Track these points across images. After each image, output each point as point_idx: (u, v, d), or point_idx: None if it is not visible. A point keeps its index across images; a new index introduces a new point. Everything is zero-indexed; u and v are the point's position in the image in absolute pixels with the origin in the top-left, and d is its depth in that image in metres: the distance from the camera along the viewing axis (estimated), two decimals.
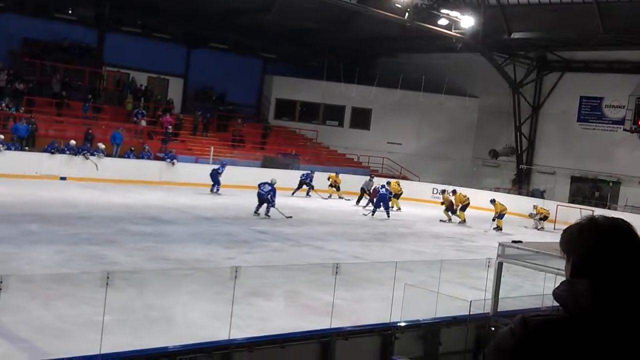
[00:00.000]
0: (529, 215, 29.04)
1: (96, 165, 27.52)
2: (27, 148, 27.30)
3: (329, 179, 31.50)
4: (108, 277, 7.71)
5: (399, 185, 30.23)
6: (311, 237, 19.71)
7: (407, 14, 29.94)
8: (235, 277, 8.87)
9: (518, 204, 32.27)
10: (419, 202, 32.97)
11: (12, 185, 23.51)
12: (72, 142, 27.75)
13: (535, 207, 29.36)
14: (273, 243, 18.25)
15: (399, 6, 29.50)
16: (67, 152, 27.49)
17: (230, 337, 8.53)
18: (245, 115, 38.77)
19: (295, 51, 40.92)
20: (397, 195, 29.50)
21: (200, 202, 24.86)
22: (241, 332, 9.03)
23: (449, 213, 27.62)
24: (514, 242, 11.28)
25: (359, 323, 9.62)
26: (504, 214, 26.53)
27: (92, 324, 8.76)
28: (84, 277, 11.49)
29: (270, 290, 12.68)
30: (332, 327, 9.24)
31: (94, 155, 27.79)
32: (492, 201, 27.06)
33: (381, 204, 26.30)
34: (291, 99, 41.02)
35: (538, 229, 27.97)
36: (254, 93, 41.49)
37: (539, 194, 34.25)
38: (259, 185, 22.81)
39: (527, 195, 34.45)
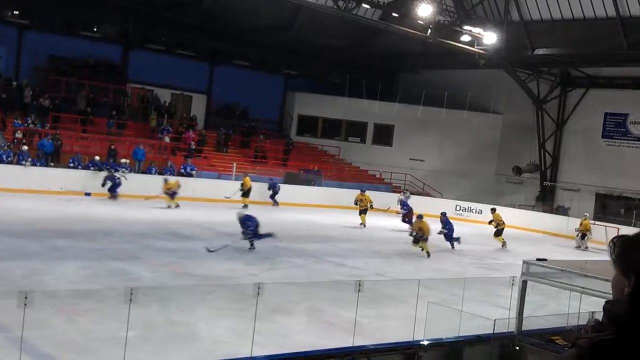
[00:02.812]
0: (576, 231, 28.06)
1: (125, 177, 27.77)
2: (52, 164, 27.59)
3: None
4: (132, 293, 7.74)
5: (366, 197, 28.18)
6: (333, 254, 19.67)
7: (429, 30, 29.94)
8: (258, 293, 8.86)
9: (542, 222, 32.07)
10: None
11: (38, 201, 23.75)
12: (97, 157, 28.02)
13: (582, 221, 28.19)
14: (295, 259, 18.23)
15: (421, 23, 29.51)
16: (92, 167, 27.75)
17: (253, 354, 8.52)
18: (267, 131, 38.93)
19: (317, 67, 41.07)
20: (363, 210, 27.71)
21: (222, 217, 24.91)
22: (263, 349, 9.01)
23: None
24: (538, 259, 11.17)
25: (382, 341, 9.56)
26: (502, 229, 25.69)
27: (116, 339, 8.79)
28: (108, 293, 11.54)
29: (292, 307, 12.65)
30: (355, 345, 9.19)
31: (117, 170, 28.03)
32: (493, 210, 26.54)
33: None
34: (313, 115, 41.14)
35: (582, 249, 26.85)
36: (277, 109, 41.67)
37: (564, 211, 33.93)
38: (244, 222, 18.89)
39: (552, 213, 34.14)
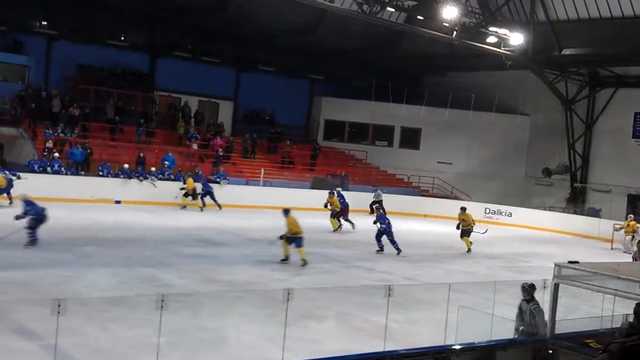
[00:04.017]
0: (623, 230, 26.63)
1: (154, 184, 27.99)
2: (82, 172, 27.90)
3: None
4: (162, 300, 7.77)
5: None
6: (361, 259, 19.63)
7: (454, 32, 29.80)
8: (288, 299, 8.86)
9: (573, 224, 31.71)
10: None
11: (69, 209, 24.01)
12: (126, 165, 28.28)
13: (629, 222, 26.62)
14: (324, 265, 18.21)
15: (447, 25, 29.38)
16: (121, 175, 28.00)
17: None
18: (294, 136, 38.99)
19: (342, 72, 41.07)
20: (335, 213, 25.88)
21: (250, 224, 25.00)
22: (294, 354, 9.00)
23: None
24: (570, 262, 11.03)
25: (413, 346, 9.50)
26: (470, 230, 23.36)
27: (148, 346, 8.84)
28: (139, 300, 11.62)
29: (322, 312, 12.63)
30: (386, 350, 9.15)
31: (147, 178, 28.25)
32: (463, 209, 23.92)
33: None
34: (340, 120, 41.15)
35: (631, 253, 24.77)
36: (303, 114, 41.74)
37: (595, 213, 33.53)
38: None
39: (582, 214, 33.74)
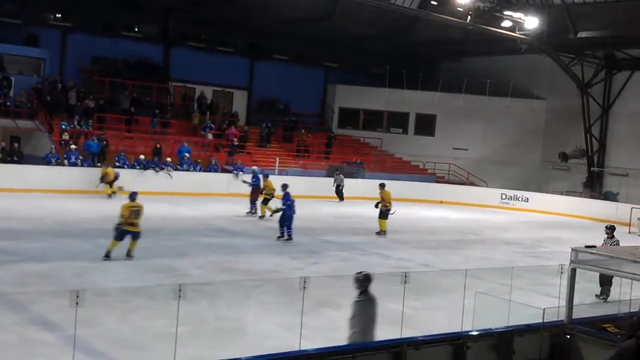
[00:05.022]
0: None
1: (170, 175, 28.10)
2: (99, 164, 28.05)
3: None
4: (180, 289, 7.82)
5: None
6: (378, 246, 19.64)
7: (468, 17, 29.63)
8: (304, 287, 8.89)
9: (590, 208, 31.53)
10: (487, 208, 32.52)
11: (85, 201, 24.19)
12: (142, 156, 28.40)
13: None
14: (340, 253, 18.25)
15: (460, 10, 29.21)
16: (137, 166, 28.14)
17: (302, 348, 8.55)
18: (309, 125, 38.98)
19: (356, 59, 41.00)
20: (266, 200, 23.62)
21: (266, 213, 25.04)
22: (312, 342, 9.04)
23: None
24: (587, 246, 10.99)
25: (430, 332, 9.51)
26: (388, 210, 21.73)
27: (166, 335, 8.91)
28: (157, 290, 11.70)
29: (339, 300, 12.65)
30: (403, 336, 9.16)
31: (162, 169, 28.37)
32: (382, 186, 22.44)
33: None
34: (355, 108, 41.09)
35: None
36: (317, 103, 41.70)
37: (613, 197, 33.30)
38: None
39: (600, 199, 33.53)
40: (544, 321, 9.70)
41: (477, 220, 27.94)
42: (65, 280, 12.62)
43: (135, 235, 15.20)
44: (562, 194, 34.25)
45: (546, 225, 27.82)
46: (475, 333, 9.05)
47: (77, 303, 7.16)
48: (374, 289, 12.81)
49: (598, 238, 19.49)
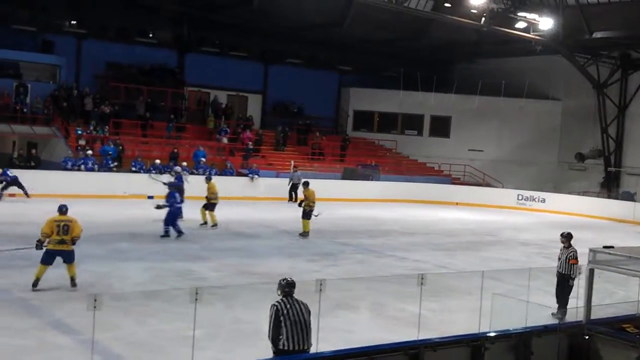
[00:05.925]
0: None
1: (186, 179, 28.14)
2: (115, 169, 28.18)
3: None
4: (197, 293, 7.84)
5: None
6: (394, 248, 19.60)
7: (483, 19, 29.54)
8: (320, 290, 8.88)
9: (608, 208, 31.31)
10: (504, 209, 32.36)
11: (102, 205, 24.31)
12: (157, 161, 28.50)
13: None
14: (356, 255, 18.25)
15: (475, 11, 29.13)
16: (153, 171, 28.21)
17: (318, 350, 8.54)
18: (323, 128, 39.00)
19: (370, 62, 40.96)
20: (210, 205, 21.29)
21: (282, 215, 25.07)
22: (328, 344, 9.03)
23: None
24: (605, 247, 10.91)
25: (447, 334, 9.48)
26: (311, 211, 20.46)
27: (184, 338, 8.94)
28: (174, 293, 11.74)
29: (355, 302, 12.65)
30: (420, 338, 9.13)
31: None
32: (306, 184, 21.26)
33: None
34: (369, 110, 41.08)
35: None
36: (332, 106, 41.72)
37: (630, 197, 33.07)
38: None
39: (617, 199, 33.29)
40: (562, 322, 9.66)
41: (493, 222, 27.82)
42: (82, 284, 12.67)
43: (67, 257, 12.25)
44: (578, 194, 34.04)
45: (563, 226, 27.46)
46: (492, 334, 9.01)
47: (94, 307, 7.20)
48: (389, 291, 12.74)
49: (616, 238, 19.34)
